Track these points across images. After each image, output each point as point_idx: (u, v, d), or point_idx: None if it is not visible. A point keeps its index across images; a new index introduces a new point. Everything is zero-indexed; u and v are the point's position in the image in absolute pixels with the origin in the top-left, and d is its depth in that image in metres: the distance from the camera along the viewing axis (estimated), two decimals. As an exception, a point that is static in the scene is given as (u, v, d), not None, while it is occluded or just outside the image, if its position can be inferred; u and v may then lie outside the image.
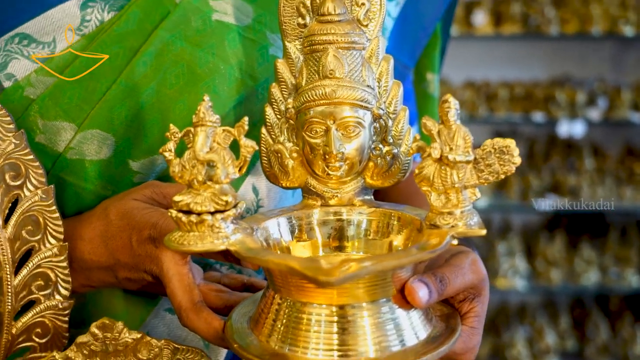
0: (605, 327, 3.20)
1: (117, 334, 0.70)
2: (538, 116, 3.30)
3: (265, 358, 0.62)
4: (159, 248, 0.70)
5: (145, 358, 0.71)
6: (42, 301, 0.73)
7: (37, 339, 0.74)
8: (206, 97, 0.64)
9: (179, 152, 0.65)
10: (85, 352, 0.70)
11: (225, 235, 0.63)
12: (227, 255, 0.67)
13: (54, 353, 0.71)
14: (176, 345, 0.71)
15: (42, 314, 0.73)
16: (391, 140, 0.73)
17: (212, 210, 0.63)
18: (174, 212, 0.63)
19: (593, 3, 3.25)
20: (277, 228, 0.71)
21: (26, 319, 0.73)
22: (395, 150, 0.73)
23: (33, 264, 0.72)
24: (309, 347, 0.61)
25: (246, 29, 0.81)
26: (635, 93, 3.29)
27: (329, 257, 0.72)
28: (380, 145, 0.73)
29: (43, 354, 0.73)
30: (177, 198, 0.63)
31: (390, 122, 0.73)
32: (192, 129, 0.64)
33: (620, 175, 3.29)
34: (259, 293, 0.69)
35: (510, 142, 0.63)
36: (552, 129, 3.39)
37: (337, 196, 0.73)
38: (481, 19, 3.25)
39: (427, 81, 1.09)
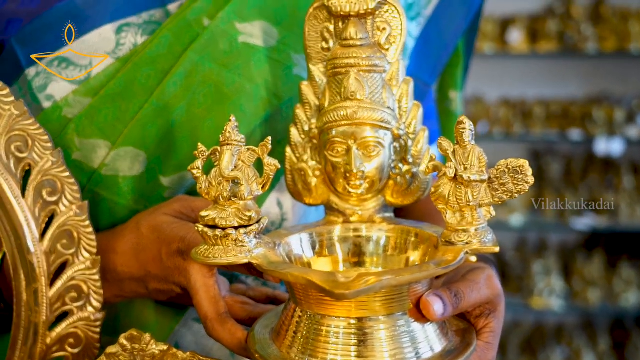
0: (645, 349, 3.13)
1: (144, 345, 0.71)
2: (575, 134, 3.26)
3: None
4: (187, 261, 0.72)
5: (171, 369, 0.72)
6: (75, 312, 0.75)
7: (70, 349, 0.76)
8: (232, 117, 0.67)
9: (207, 169, 0.68)
10: (114, 362, 0.72)
11: (249, 249, 0.66)
12: (250, 269, 0.69)
13: (85, 362, 0.73)
14: (201, 358, 0.72)
15: (75, 324, 0.76)
16: (411, 160, 0.75)
17: (236, 225, 0.65)
18: (200, 227, 0.66)
19: (632, 20, 3.21)
20: (299, 244, 0.73)
21: (60, 329, 0.75)
22: (415, 170, 0.75)
23: (67, 277, 0.75)
24: (328, 358, 0.63)
25: (271, 50, 0.84)
26: (676, 111, 3.24)
27: (348, 271, 0.73)
28: (400, 165, 0.75)
29: (75, 363, 0.75)
30: (203, 213, 0.66)
31: (409, 142, 0.75)
32: (218, 148, 0.67)
33: (660, 195, 3.24)
34: (282, 306, 0.71)
35: (524, 162, 0.64)
36: (590, 147, 3.35)
37: (358, 213, 0.75)
38: (516, 36, 3.24)
39: (449, 99, 1.10)
